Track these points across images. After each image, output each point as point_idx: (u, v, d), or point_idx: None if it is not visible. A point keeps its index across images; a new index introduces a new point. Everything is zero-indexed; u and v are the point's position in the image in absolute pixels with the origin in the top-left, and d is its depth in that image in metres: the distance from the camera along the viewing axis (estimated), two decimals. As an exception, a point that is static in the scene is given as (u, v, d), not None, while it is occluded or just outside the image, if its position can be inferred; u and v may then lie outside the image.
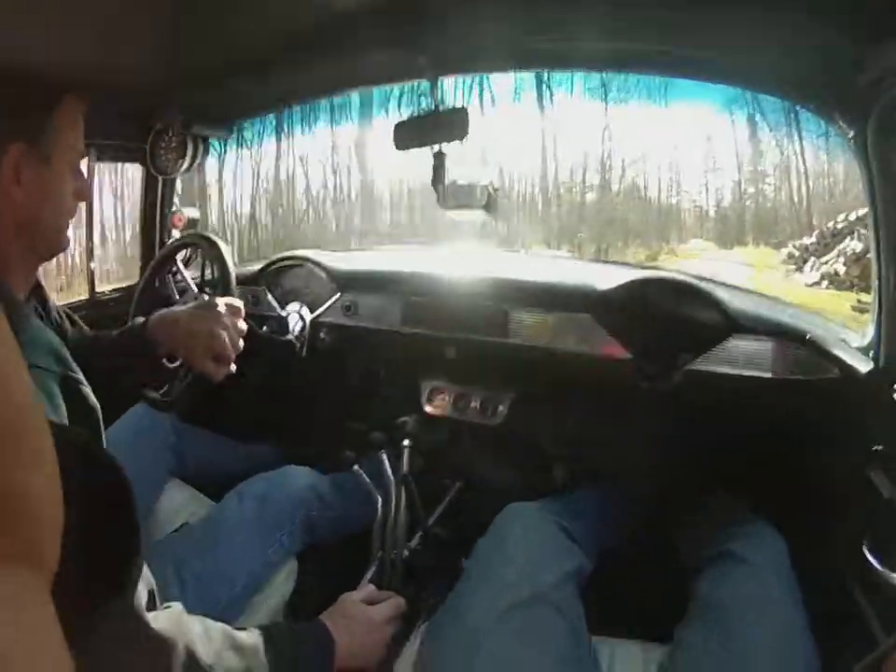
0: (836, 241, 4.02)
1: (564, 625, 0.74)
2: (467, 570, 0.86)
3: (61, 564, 0.21)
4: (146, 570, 0.59)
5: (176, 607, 0.65)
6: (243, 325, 0.96)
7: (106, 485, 0.31)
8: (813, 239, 4.21)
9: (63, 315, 0.97)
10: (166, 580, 0.88)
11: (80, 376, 0.65)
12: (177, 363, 1.10)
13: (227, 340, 0.91)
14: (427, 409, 1.32)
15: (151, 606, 0.59)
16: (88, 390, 0.65)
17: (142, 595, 0.57)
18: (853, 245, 3.82)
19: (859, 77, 0.80)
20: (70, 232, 0.82)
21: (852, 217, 4.00)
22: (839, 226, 4.11)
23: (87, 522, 0.25)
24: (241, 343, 0.94)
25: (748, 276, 4.30)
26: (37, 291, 0.85)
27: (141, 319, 0.97)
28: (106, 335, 1.01)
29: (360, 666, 0.83)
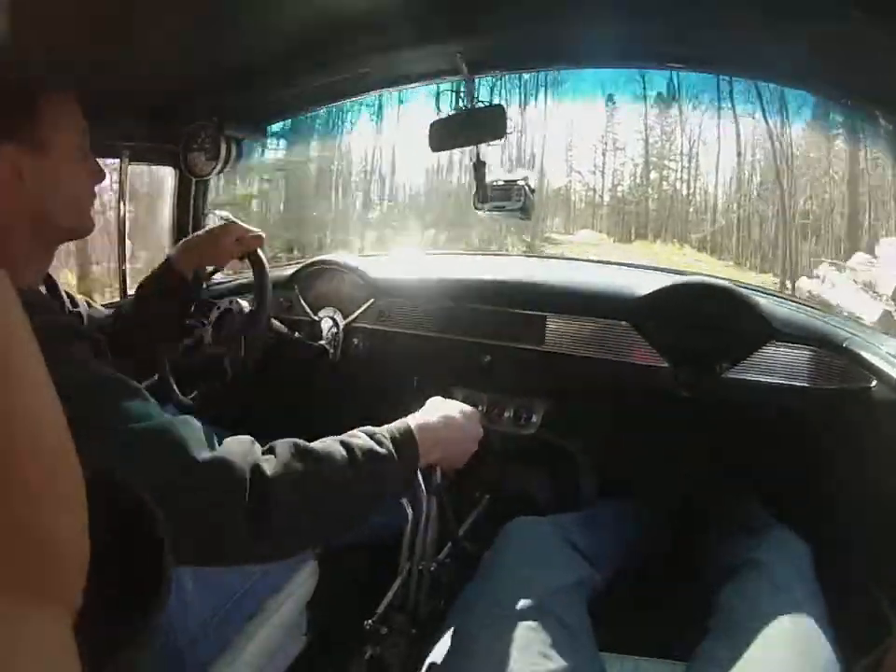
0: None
1: (566, 637, 0.73)
2: (468, 584, 0.86)
3: (85, 601, 0.21)
4: None
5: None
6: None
7: (135, 523, 0.31)
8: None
9: (79, 301, 1.00)
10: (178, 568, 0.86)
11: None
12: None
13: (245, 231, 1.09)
14: None
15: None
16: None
17: None
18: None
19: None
20: (93, 215, 0.84)
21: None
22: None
23: (112, 560, 0.24)
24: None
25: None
26: (48, 281, 0.87)
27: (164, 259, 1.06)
28: (133, 298, 1.09)
29: (454, 458, 0.84)
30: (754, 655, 0.69)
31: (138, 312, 1.06)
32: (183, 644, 0.82)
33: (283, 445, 0.64)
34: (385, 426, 0.74)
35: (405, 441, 0.72)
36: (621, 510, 1.15)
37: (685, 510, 1.17)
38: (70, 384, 0.30)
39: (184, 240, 1.10)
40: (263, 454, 0.63)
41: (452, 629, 0.77)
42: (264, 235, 1.13)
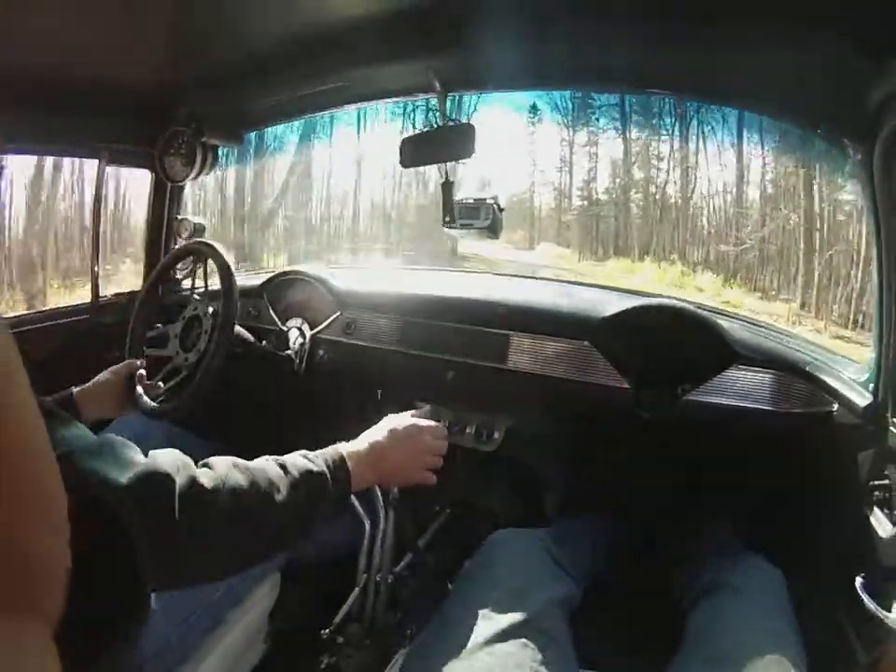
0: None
1: (553, 653, 0.72)
2: (453, 594, 0.84)
3: (66, 613, 0.22)
4: None
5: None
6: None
7: (114, 537, 0.32)
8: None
9: None
10: None
11: None
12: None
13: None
14: None
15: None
16: None
17: None
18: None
19: (867, 100, 0.79)
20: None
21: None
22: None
23: (92, 575, 0.25)
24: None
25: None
26: None
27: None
28: None
29: (400, 477, 0.83)
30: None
31: None
32: (146, 655, 0.82)
33: (220, 461, 0.65)
34: (319, 451, 0.75)
35: (337, 464, 0.73)
36: (585, 528, 1.15)
37: (652, 530, 1.18)
38: None
39: (85, 389, 1.10)
40: (200, 468, 0.63)
41: (440, 637, 0.75)
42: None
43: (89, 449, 0.55)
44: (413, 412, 0.91)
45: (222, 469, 0.63)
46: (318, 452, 0.74)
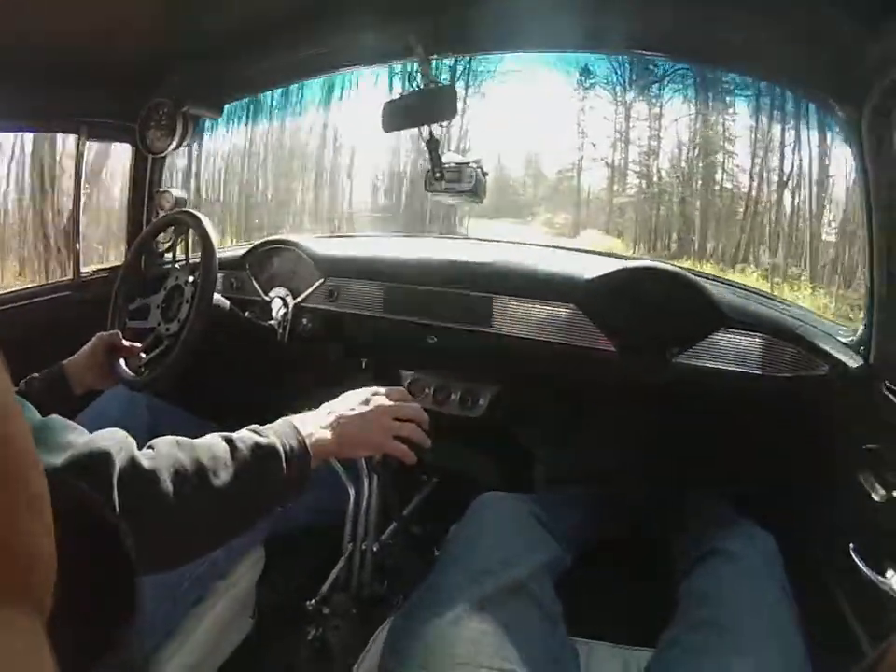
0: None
1: (541, 618, 0.72)
2: (440, 558, 0.83)
3: (56, 605, 0.22)
4: None
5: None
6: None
7: (100, 532, 0.32)
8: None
9: None
10: None
11: None
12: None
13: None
14: None
15: None
16: None
17: None
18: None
19: (857, 62, 0.78)
20: None
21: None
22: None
23: (80, 566, 0.25)
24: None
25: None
26: None
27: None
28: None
29: (357, 440, 0.76)
30: (724, 642, 0.69)
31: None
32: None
33: (163, 441, 0.62)
34: (268, 425, 0.70)
35: (288, 433, 0.69)
36: (573, 496, 1.13)
37: (642, 498, 1.17)
38: None
39: (72, 361, 1.10)
40: (143, 450, 0.60)
41: (427, 603, 0.73)
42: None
43: None
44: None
45: (164, 449, 0.60)
46: (268, 425, 0.70)
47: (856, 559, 0.76)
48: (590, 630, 0.80)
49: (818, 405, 0.99)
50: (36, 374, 1.07)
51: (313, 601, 1.10)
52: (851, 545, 0.78)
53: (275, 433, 0.68)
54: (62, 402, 1.07)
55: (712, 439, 1.14)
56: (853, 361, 0.93)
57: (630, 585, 1.04)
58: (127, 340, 1.17)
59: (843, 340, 1.00)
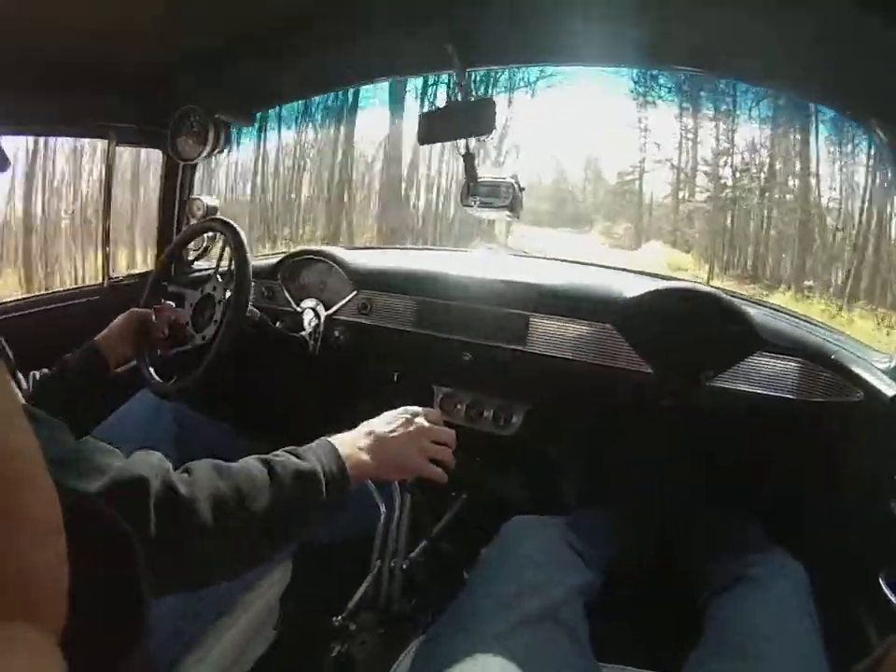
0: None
1: (572, 645, 0.71)
2: (470, 582, 0.82)
3: (69, 619, 0.22)
4: None
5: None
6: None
7: (111, 546, 0.31)
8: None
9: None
10: None
11: None
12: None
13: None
14: None
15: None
16: None
17: None
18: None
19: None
20: None
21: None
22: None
23: (92, 581, 0.25)
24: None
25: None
26: None
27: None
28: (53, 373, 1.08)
29: (395, 462, 0.75)
30: (750, 670, 0.68)
31: (59, 387, 1.05)
32: (153, 643, 0.80)
33: (200, 465, 0.61)
34: (307, 446, 0.70)
35: (329, 456, 0.68)
36: (605, 516, 1.12)
37: (673, 520, 1.15)
38: None
39: (104, 336, 1.13)
40: (181, 473, 0.59)
41: (455, 627, 0.73)
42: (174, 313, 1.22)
43: (60, 456, 0.51)
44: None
45: (201, 475, 0.59)
46: (307, 446, 0.69)
47: (885, 589, 0.75)
48: (616, 654, 0.79)
49: (850, 431, 0.97)
50: (69, 354, 1.08)
51: (339, 617, 1.09)
52: (881, 575, 0.77)
53: (315, 455, 0.67)
54: (97, 378, 1.10)
55: (743, 462, 1.12)
56: (889, 389, 0.91)
57: (657, 609, 1.02)
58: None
59: (879, 366, 0.98)
